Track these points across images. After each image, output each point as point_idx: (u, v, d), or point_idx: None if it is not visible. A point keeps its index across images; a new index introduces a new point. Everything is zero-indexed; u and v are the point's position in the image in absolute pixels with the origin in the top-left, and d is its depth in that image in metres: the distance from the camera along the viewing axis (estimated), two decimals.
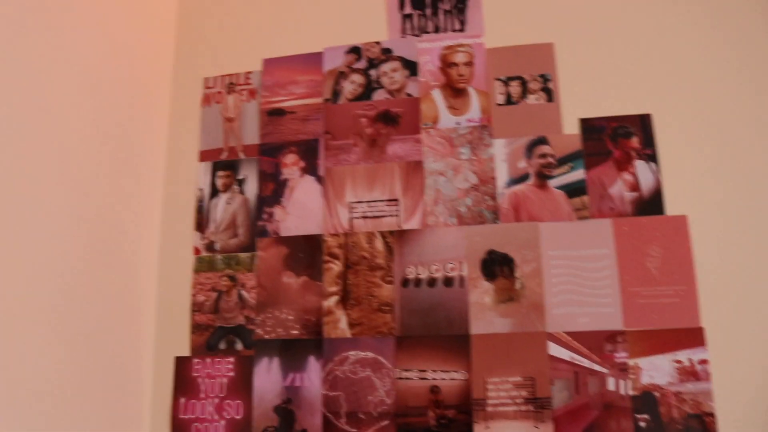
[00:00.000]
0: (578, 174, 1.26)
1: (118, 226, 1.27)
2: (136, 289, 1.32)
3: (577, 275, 1.21)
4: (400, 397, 1.22)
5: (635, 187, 1.24)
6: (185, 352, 1.33)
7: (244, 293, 1.32)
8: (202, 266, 1.36)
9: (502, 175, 1.28)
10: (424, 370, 1.22)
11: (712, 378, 1.13)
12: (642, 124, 1.26)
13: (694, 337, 1.16)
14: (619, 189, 1.24)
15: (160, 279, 1.38)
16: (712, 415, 1.12)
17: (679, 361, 1.15)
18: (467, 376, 1.20)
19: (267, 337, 1.29)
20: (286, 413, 1.25)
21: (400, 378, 1.22)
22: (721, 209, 1.20)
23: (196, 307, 1.34)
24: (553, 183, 1.26)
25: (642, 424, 1.14)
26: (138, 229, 1.34)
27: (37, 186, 1.05)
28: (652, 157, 1.24)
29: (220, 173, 1.40)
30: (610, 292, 1.19)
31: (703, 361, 1.14)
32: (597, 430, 1.15)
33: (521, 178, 1.28)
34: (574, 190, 1.25)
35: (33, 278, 1.03)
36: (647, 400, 1.15)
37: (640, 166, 1.24)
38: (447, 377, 1.21)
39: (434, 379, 1.21)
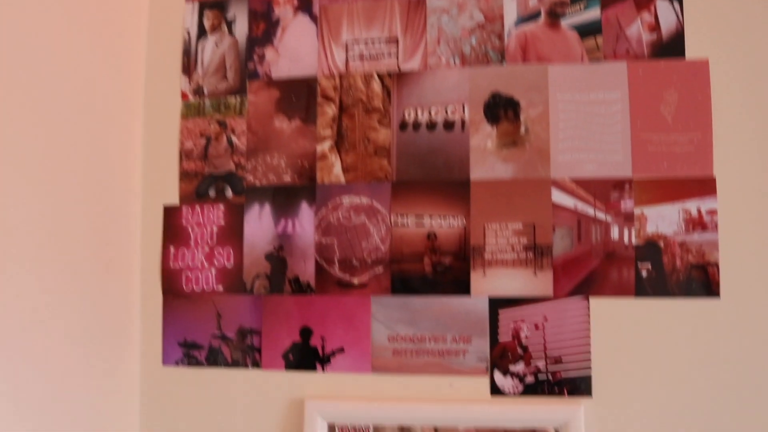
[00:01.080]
0: (593, 13, 1.16)
1: (99, 70, 1.19)
2: (121, 137, 1.26)
3: (586, 120, 1.14)
4: (395, 243, 1.18)
5: (655, 27, 1.14)
6: (174, 200, 1.28)
7: (233, 139, 1.25)
8: (190, 112, 1.28)
9: (510, 13, 1.18)
10: (420, 216, 1.17)
11: (719, 229, 1.09)
12: None
13: (705, 186, 1.10)
14: (637, 30, 1.15)
15: (146, 126, 1.31)
16: (716, 265, 1.09)
17: (687, 211, 1.10)
18: (465, 222, 1.16)
19: (258, 183, 1.24)
20: (278, 260, 1.21)
21: (396, 224, 1.18)
22: (746, 54, 1.11)
23: (185, 155, 1.28)
24: (565, 22, 1.17)
25: (644, 273, 1.11)
26: (121, 75, 1.26)
27: (16, 37, 0.96)
28: None
29: (208, 13, 1.30)
30: (620, 139, 1.13)
31: (712, 211, 1.10)
32: (598, 279, 1.12)
33: (531, 17, 1.18)
34: (587, 31, 1.16)
35: (12, 131, 0.96)
36: (651, 249, 1.11)
37: (662, 6, 1.14)
38: (444, 224, 1.16)
39: (431, 225, 1.17)
